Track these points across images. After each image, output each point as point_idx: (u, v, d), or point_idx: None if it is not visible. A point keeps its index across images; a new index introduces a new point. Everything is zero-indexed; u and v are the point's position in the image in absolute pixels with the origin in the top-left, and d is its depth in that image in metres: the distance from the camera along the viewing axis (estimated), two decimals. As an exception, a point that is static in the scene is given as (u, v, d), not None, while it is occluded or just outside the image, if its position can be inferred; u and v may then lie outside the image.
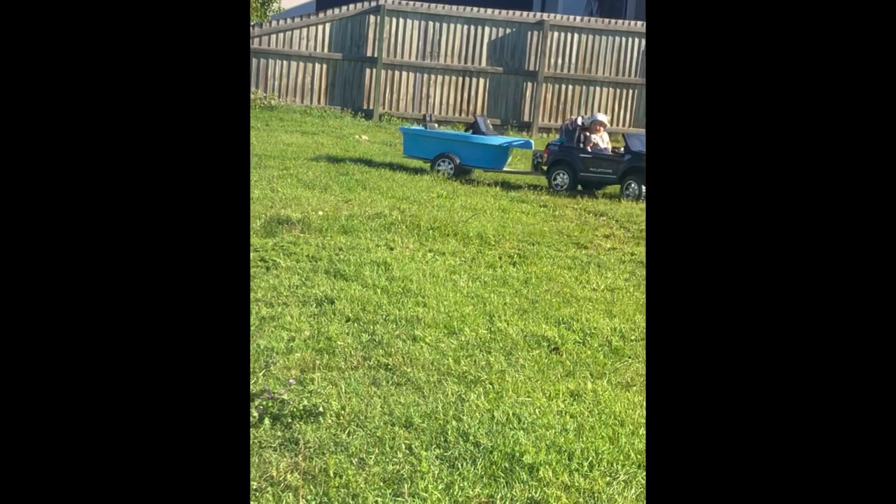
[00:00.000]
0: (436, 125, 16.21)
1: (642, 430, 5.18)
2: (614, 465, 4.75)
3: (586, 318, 7.29)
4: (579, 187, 13.79)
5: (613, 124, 19.20)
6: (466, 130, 15.30)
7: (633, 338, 6.92)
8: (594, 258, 9.54)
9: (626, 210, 12.28)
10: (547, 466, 4.66)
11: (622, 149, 13.84)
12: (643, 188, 12.94)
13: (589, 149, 13.66)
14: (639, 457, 4.84)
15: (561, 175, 13.70)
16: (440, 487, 4.42)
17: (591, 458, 4.79)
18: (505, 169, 14.49)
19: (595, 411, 5.42)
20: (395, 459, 4.65)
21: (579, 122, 13.98)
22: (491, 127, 15.39)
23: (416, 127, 16.10)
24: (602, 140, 13.85)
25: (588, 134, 13.76)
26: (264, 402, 5.11)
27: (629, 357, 6.50)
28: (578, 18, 19.76)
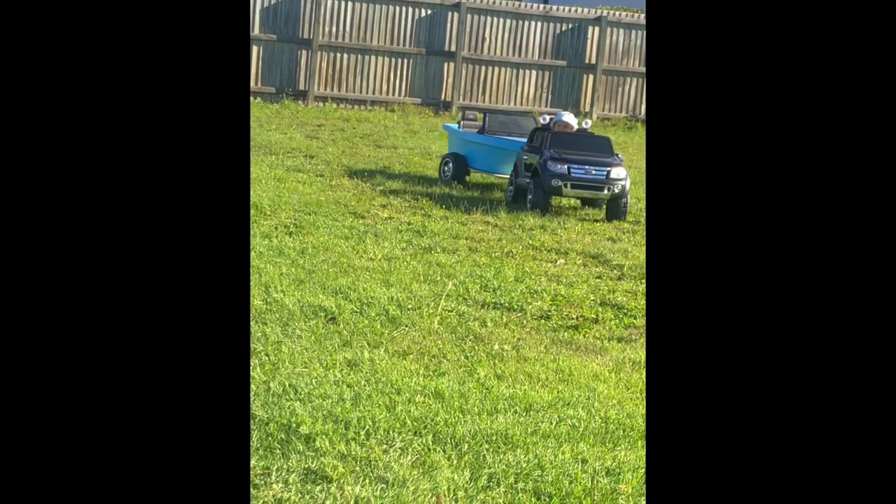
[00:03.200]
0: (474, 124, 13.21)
1: (418, 398, 5.25)
2: (390, 432, 4.79)
3: (363, 287, 7.31)
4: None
5: (389, 94, 19.28)
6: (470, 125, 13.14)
7: (409, 306, 7.00)
8: (371, 227, 9.58)
9: (402, 180, 12.37)
10: (323, 436, 4.66)
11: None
12: (535, 197, 10.95)
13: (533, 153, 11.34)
14: (414, 423, 4.91)
15: (513, 183, 11.72)
16: (214, 462, 4.34)
17: (367, 427, 4.81)
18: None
19: (372, 380, 5.45)
20: (167, 436, 4.53)
21: (542, 121, 11.95)
22: (530, 121, 12.93)
23: (453, 125, 13.50)
24: None
25: (546, 134, 11.45)
26: None
27: (406, 325, 6.56)
28: (353, -13, 19.74)
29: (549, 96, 19.67)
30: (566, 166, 10.80)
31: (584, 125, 12.02)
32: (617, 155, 11.22)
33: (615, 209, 10.88)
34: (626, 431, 5.05)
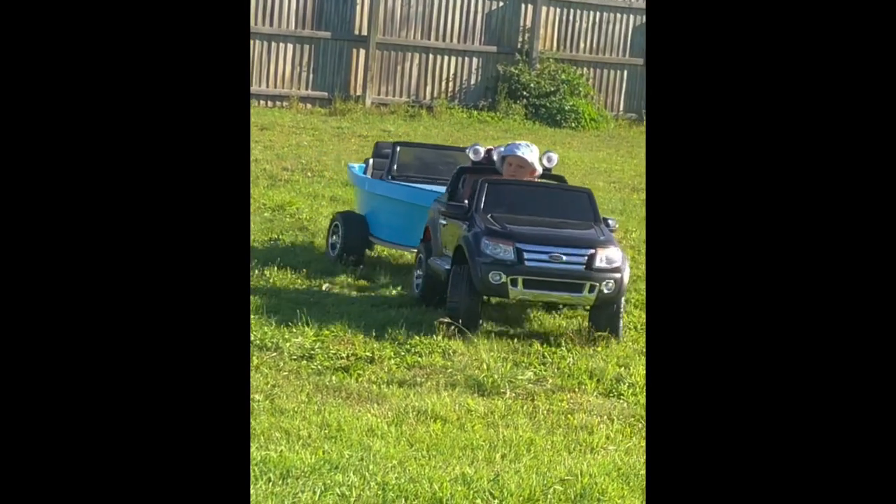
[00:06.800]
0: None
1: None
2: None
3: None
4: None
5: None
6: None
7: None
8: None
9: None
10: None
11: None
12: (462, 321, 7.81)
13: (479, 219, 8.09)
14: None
15: (421, 266, 8.66)
16: None
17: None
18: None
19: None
20: None
21: (472, 155, 8.88)
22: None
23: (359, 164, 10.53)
24: None
25: (479, 183, 8.38)
26: None
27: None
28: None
29: (311, 76, 19.67)
30: (513, 247, 7.82)
31: (544, 163, 8.84)
32: (605, 221, 8.35)
33: (603, 317, 7.98)
34: (409, 500, 5.07)
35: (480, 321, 7.95)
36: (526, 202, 8.32)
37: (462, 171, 8.68)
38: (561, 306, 8.40)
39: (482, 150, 8.82)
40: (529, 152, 8.59)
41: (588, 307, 8.01)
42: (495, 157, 8.71)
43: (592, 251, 7.81)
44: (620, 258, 7.92)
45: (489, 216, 8.03)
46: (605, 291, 7.76)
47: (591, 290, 7.77)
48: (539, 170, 8.66)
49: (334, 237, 9.64)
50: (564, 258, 7.82)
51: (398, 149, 9.93)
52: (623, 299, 8.03)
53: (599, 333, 7.80)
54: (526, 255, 7.78)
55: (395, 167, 9.75)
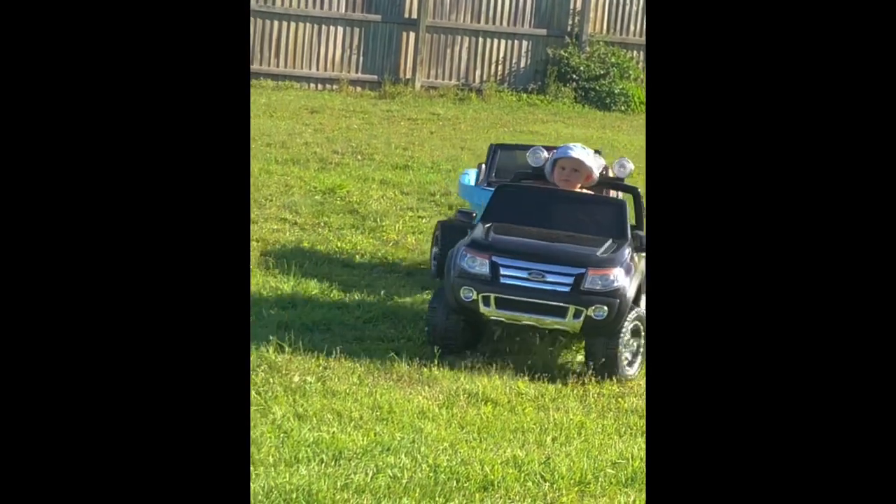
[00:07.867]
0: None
1: (197, 447, 5.19)
2: (161, 493, 4.71)
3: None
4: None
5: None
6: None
7: None
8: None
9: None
10: None
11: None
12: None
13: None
14: (193, 480, 4.85)
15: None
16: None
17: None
18: None
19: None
20: None
21: (533, 159, 7.95)
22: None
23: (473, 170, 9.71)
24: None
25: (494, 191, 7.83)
26: None
27: (179, 353, 6.48)
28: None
29: (361, 59, 19.71)
30: (488, 261, 7.00)
31: (617, 170, 8.11)
32: (635, 238, 7.29)
33: (599, 348, 6.98)
34: (460, 482, 5.08)
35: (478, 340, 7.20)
36: (541, 212, 7.43)
37: (518, 177, 7.94)
38: (545, 331, 7.30)
39: (543, 155, 7.87)
40: (585, 154, 7.71)
41: (578, 333, 7.08)
42: (543, 162, 7.87)
43: (582, 271, 6.86)
44: (621, 281, 6.88)
45: (488, 226, 7.28)
46: (595, 318, 6.80)
47: (577, 315, 6.82)
48: (596, 175, 7.74)
49: (435, 249, 8.67)
50: (547, 277, 6.90)
51: (498, 152, 9.17)
52: (632, 329, 6.99)
53: (596, 367, 6.87)
54: (502, 271, 6.92)
55: (494, 173, 8.98)
